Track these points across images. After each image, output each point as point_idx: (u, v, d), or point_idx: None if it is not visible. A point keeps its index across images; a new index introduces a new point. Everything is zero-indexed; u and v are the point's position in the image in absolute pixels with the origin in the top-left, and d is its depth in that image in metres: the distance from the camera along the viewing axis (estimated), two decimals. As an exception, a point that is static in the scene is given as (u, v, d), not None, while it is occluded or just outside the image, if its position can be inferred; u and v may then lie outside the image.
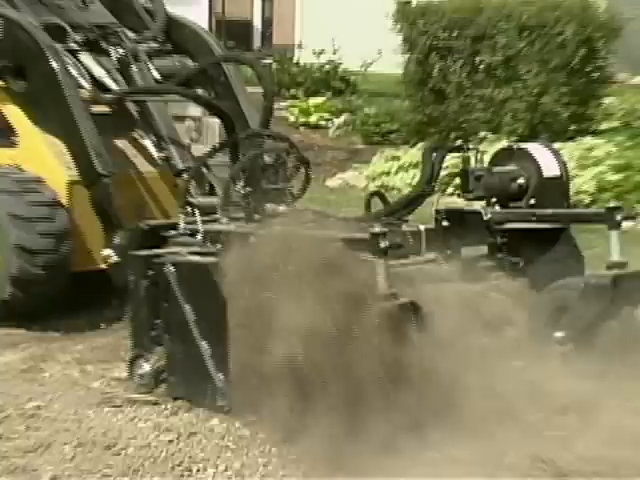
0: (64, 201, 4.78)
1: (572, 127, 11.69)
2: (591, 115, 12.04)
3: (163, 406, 4.04)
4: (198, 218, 4.24)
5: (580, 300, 4.11)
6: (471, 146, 4.92)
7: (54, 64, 4.77)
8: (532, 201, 4.67)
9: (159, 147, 5.00)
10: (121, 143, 5.00)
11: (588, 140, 10.74)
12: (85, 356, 4.68)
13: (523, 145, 4.93)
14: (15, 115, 5.03)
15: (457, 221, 4.57)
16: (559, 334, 4.10)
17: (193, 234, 4.21)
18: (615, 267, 4.17)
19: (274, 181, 4.51)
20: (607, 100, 12.38)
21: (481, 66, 12.02)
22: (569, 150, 10.19)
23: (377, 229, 3.72)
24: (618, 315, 4.10)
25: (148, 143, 5.03)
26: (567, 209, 4.89)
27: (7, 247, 4.69)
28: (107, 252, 4.46)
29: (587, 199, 9.42)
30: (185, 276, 3.82)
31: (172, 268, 3.86)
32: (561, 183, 4.78)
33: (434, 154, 4.71)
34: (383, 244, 3.63)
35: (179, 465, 3.50)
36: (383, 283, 3.54)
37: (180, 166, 4.94)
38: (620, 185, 9.51)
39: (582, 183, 9.58)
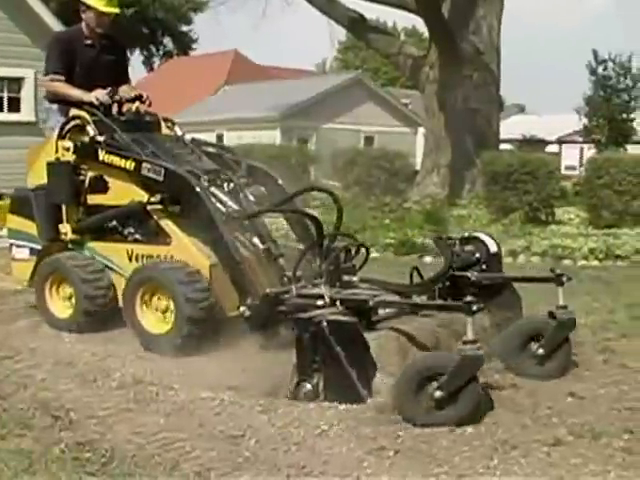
0: (206, 275, 4.52)
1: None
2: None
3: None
4: (324, 288, 4.00)
5: (550, 329, 4.09)
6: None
7: (201, 192, 4.60)
8: (484, 267, 4.60)
9: (262, 242, 4.73)
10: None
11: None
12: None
13: (475, 234, 4.84)
14: (168, 226, 4.80)
15: (454, 282, 4.50)
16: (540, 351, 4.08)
17: (320, 298, 3.91)
18: (560, 308, 4.09)
19: (346, 261, 4.47)
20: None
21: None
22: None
23: (469, 298, 3.42)
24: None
25: (256, 240, 4.74)
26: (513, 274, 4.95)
27: (180, 300, 4.44)
28: (242, 309, 4.24)
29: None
30: (336, 329, 3.56)
31: (326, 324, 3.57)
32: (498, 255, 4.75)
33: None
34: (475, 307, 3.37)
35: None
36: (471, 332, 3.37)
37: (276, 253, 4.70)
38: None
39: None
